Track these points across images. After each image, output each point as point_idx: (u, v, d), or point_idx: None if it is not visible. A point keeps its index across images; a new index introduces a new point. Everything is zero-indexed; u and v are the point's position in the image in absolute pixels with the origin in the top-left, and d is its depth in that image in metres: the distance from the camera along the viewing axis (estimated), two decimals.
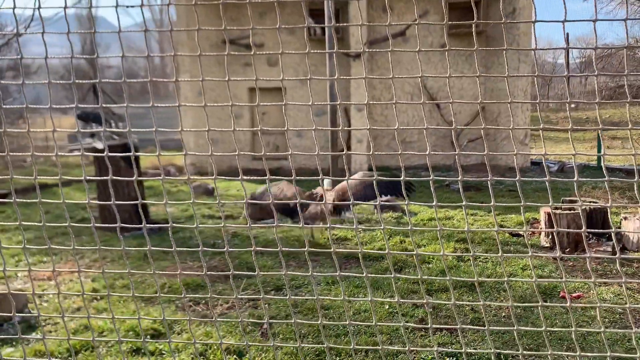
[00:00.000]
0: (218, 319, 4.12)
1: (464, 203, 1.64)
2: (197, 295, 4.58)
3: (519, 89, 13.33)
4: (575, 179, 1.62)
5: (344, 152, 1.58)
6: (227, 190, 11.33)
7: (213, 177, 1.63)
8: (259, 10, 13.70)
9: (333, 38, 6.92)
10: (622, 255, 2.16)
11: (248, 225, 1.65)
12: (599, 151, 13.56)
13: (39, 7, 2.46)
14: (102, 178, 1.96)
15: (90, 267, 5.88)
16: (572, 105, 27.98)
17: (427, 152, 1.43)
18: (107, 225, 1.70)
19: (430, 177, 1.58)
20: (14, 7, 2.45)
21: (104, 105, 1.83)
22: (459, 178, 1.56)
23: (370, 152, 1.54)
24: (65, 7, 2.55)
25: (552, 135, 19.50)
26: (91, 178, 2.05)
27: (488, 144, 14.75)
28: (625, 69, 1.59)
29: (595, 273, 5.21)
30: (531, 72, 13.68)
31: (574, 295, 4.53)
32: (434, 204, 1.57)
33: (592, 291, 4.60)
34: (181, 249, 1.79)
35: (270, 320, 3.00)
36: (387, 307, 4.28)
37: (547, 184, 1.56)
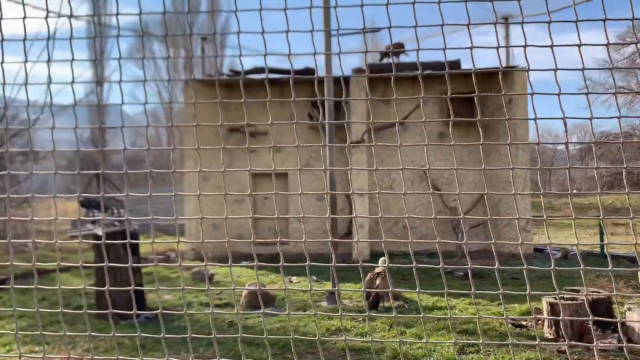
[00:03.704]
0: None
1: (445, 290, 1.64)
2: None
3: (518, 175, 13.50)
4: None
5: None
6: (227, 276, 11.20)
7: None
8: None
9: (332, 128, 7.13)
10: (601, 345, 2.11)
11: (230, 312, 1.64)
12: (601, 239, 13.49)
13: (51, 105, 2.60)
14: (96, 265, 1.98)
15: (82, 356, 5.72)
16: (574, 191, 28.12)
17: (409, 240, 1.45)
18: (96, 311, 1.70)
19: (413, 264, 1.59)
20: (28, 105, 2.59)
21: (104, 194, 1.89)
22: (440, 265, 1.56)
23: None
24: (75, 105, 2.69)
25: (555, 222, 19.47)
26: (85, 264, 2.06)
27: (490, 231, 14.71)
28: (595, 162, 1.64)
29: None
30: (529, 160, 13.89)
31: None
32: (416, 290, 1.57)
33: None
34: (171, 335, 1.76)
35: None
36: None
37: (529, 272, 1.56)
